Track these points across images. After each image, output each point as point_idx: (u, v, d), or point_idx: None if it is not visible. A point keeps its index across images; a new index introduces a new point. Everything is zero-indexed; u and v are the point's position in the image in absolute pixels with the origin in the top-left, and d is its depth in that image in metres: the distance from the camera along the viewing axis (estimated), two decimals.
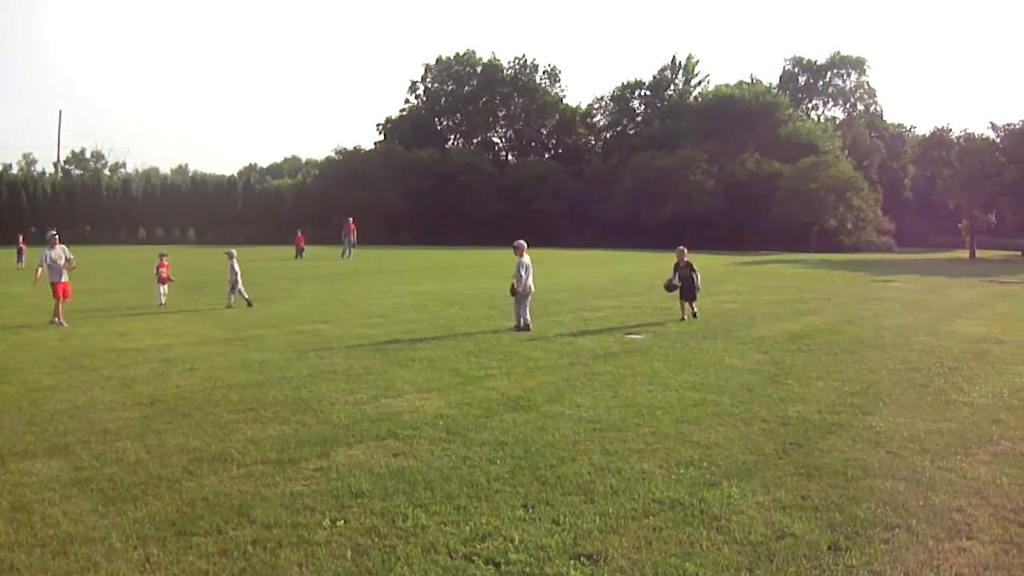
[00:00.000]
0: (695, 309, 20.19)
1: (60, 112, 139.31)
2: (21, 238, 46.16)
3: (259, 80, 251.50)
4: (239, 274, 23.21)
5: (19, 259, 42.69)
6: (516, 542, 6.20)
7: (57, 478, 7.71)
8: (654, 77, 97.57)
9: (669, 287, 20.48)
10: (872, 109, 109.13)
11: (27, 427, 9.54)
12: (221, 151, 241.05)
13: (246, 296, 23.03)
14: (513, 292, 18.09)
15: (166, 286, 23.29)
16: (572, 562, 5.89)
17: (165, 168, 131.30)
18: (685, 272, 20.09)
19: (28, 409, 10.46)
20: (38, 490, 7.33)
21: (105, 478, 7.68)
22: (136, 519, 6.66)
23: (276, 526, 6.49)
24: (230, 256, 23.71)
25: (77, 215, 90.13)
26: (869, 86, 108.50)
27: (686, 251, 20.73)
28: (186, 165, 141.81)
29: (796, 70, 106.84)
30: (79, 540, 6.23)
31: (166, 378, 12.60)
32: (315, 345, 15.72)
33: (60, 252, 20.05)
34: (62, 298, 19.51)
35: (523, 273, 18.19)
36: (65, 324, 18.85)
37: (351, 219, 51.40)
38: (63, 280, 19.80)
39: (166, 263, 23.45)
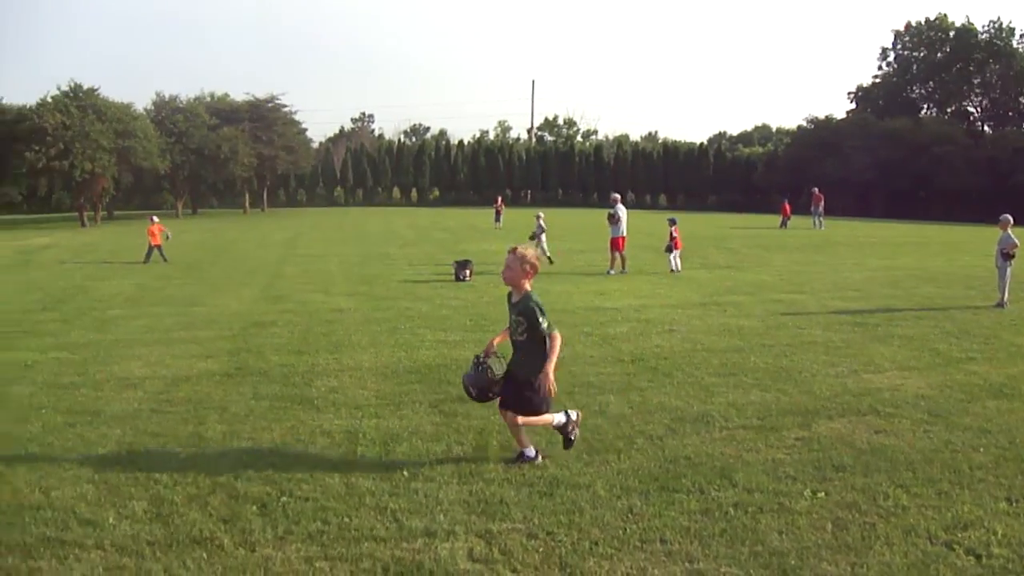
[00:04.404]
0: (531, 448, 7.43)
1: (533, 82, 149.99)
2: (499, 200, 50.27)
3: (727, 47, 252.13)
4: (545, 231, 27.94)
5: (497, 219, 46.65)
6: (999, 535, 5.87)
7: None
8: None
9: (477, 392, 7.52)
10: None
11: None
12: (690, 118, 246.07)
13: (548, 253, 26.85)
14: None
15: (677, 252, 24.63)
16: None
17: (635, 135, 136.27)
18: (520, 327, 7.33)
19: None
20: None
21: (589, 428, 8.18)
22: (619, 470, 7.04)
23: (757, 491, 6.61)
24: (538, 217, 28.80)
25: (550, 179, 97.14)
26: None
27: (530, 259, 7.38)
28: (656, 132, 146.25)
29: None
30: (565, 484, 6.71)
31: (646, 338, 13.30)
32: (792, 314, 15.81)
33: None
34: (621, 251, 24.13)
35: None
36: (612, 273, 23.65)
37: (816, 189, 52.50)
38: (622, 235, 24.16)
39: (677, 231, 24.73)
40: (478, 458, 7.37)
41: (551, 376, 7.10)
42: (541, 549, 5.57)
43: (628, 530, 5.87)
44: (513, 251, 7.47)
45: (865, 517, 6.13)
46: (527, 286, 7.40)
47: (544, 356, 7.15)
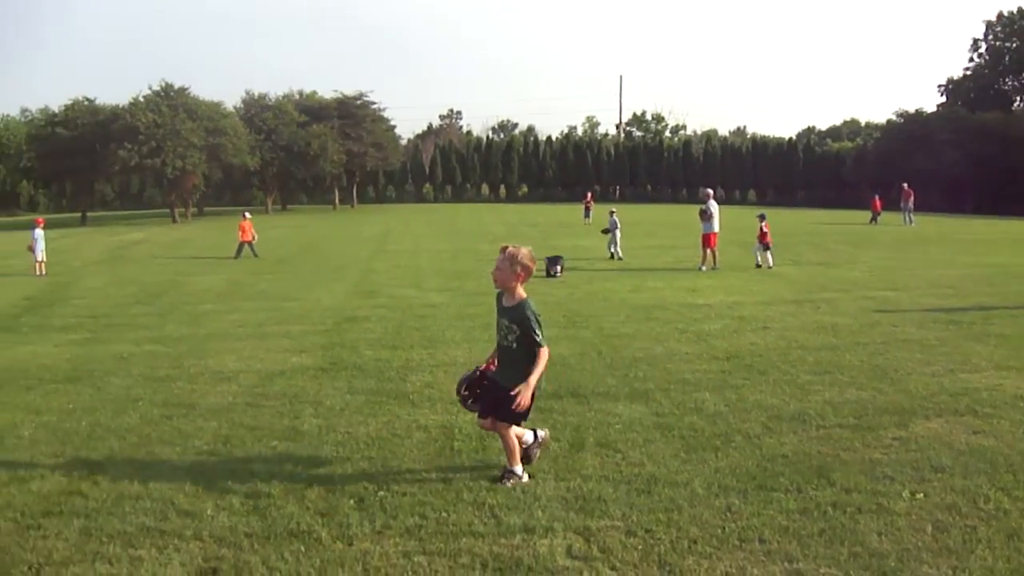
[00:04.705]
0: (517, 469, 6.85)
1: (621, 77, 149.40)
2: (589, 196, 50.30)
3: (815, 40, 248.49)
4: (619, 228, 27.94)
5: (587, 215, 46.63)
6: None
7: (639, 421, 8.37)
8: None
9: (457, 389, 7.31)
10: None
11: (608, 371, 10.53)
12: (779, 113, 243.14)
13: (618, 251, 27.62)
14: None
15: (769, 249, 24.43)
16: None
17: (724, 130, 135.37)
18: (511, 335, 6.90)
19: (608, 354, 11.58)
20: (622, 431, 7.99)
21: (685, 426, 8.17)
22: (717, 468, 6.98)
23: (855, 491, 6.49)
24: (611, 213, 29.15)
25: (638, 174, 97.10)
26: None
27: (521, 259, 6.92)
28: (744, 127, 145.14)
29: None
30: (662, 482, 6.66)
31: (740, 335, 13.21)
32: (886, 312, 15.57)
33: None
34: (712, 247, 24.01)
35: None
36: (704, 269, 23.47)
37: (906, 185, 51.55)
38: (714, 231, 24.12)
39: (767, 227, 24.64)
40: (575, 455, 7.36)
41: (532, 387, 6.63)
42: (640, 547, 5.54)
43: (727, 529, 5.81)
44: (504, 250, 6.92)
45: (966, 520, 5.99)
46: (520, 291, 6.93)
47: (530, 366, 6.75)
